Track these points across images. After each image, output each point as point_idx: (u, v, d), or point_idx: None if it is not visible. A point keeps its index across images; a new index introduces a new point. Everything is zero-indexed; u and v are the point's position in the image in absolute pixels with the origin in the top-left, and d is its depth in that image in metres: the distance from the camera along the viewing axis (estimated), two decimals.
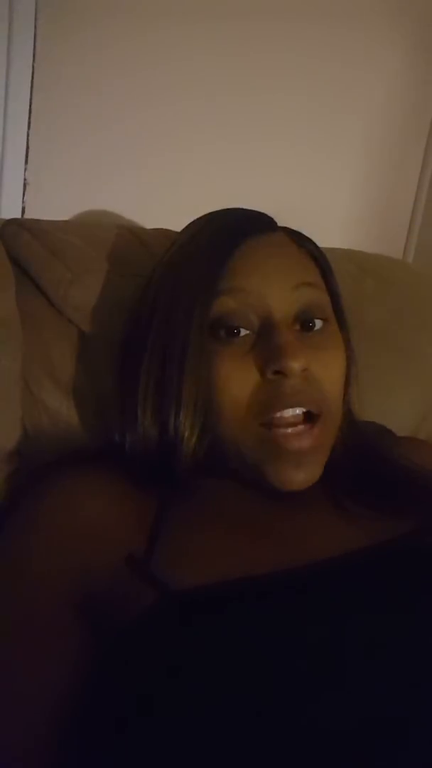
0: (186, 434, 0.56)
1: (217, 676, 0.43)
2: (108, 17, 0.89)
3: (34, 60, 0.86)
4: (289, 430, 0.55)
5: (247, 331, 0.57)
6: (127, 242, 0.75)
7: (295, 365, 0.54)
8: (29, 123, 0.88)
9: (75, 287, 0.69)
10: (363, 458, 0.63)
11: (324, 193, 1.12)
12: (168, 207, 0.81)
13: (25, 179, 0.90)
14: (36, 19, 0.85)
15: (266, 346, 0.56)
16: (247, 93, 1.02)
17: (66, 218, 0.90)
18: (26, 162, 0.89)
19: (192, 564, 0.50)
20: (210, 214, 0.64)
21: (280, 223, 0.65)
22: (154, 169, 0.97)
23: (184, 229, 0.66)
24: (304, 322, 0.58)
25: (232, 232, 0.60)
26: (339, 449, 0.61)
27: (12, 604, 0.53)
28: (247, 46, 1.00)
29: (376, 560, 0.51)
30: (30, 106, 0.87)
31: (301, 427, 0.56)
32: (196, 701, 0.42)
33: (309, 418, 0.56)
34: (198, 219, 0.65)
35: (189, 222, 0.66)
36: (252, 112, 1.03)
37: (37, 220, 0.75)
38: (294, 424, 0.56)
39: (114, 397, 0.65)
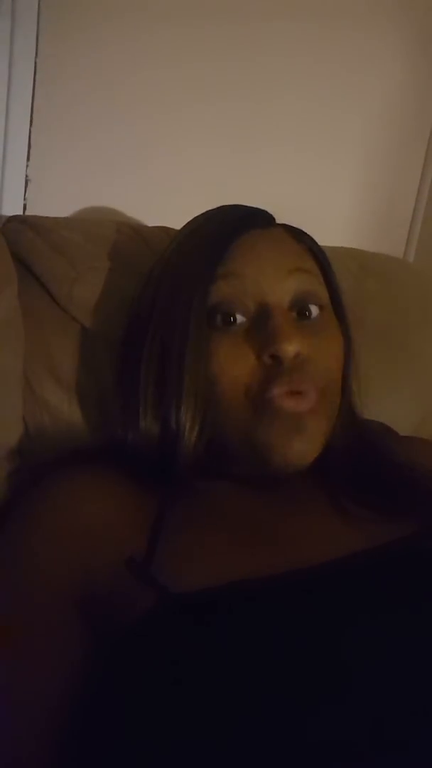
0: (187, 426, 0.56)
1: (217, 679, 0.43)
2: (110, 15, 0.89)
3: (36, 57, 0.86)
4: (285, 389, 0.55)
5: (244, 318, 0.58)
6: (129, 240, 0.75)
7: (290, 348, 0.54)
8: (31, 120, 0.88)
9: (79, 285, 0.69)
10: (364, 458, 0.63)
11: (325, 191, 1.12)
12: (169, 205, 0.81)
13: (26, 176, 0.90)
14: (39, 16, 0.85)
15: (261, 330, 0.56)
16: (249, 92, 1.02)
17: (67, 215, 0.90)
18: (28, 159, 0.89)
19: (192, 566, 0.50)
20: (208, 211, 0.65)
21: (282, 221, 0.65)
22: (155, 167, 0.97)
23: (183, 227, 0.66)
24: (300, 309, 0.59)
25: (230, 227, 0.61)
26: (340, 448, 0.61)
27: (12, 603, 0.52)
28: (250, 46, 1.00)
29: (378, 562, 0.50)
30: (32, 103, 0.87)
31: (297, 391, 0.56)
32: (196, 704, 0.42)
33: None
34: (197, 216, 0.65)
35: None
36: (254, 111, 1.03)
37: (40, 217, 0.75)
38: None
39: (116, 395, 0.65)
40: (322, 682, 0.42)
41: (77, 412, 0.68)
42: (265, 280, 0.58)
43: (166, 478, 0.57)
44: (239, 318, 0.58)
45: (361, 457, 0.63)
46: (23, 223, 0.73)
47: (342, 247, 0.89)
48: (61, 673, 0.49)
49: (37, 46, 0.86)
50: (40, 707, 0.48)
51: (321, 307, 0.60)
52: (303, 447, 0.55)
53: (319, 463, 0.57)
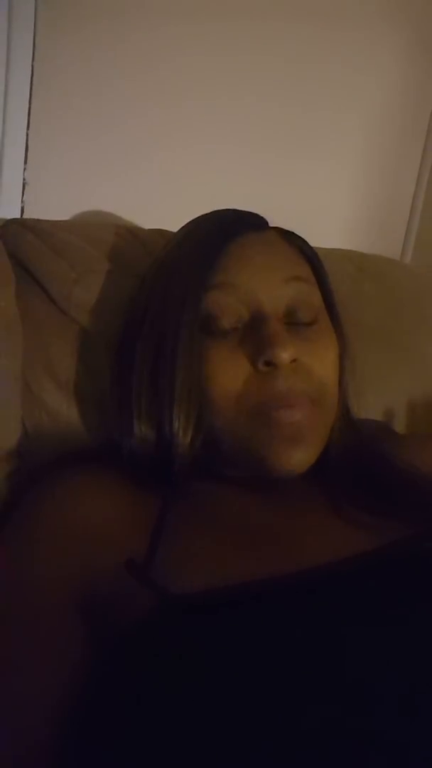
0: (181, 430, 0.56)
1: (216, 681, 0.42)
2: (107, 17, 0.90)
3: (33, 59, 0.86)
4: (280, 402, 0.55)
5: (238, 326, 0.58)
6: (127, 243, 0.75)
7: (285, 355, 0.54)
8: (28, 123, 0.88)
9: (80, 287, 0.69)
10: (363, 459, 0.63)
11: (323, 193, 1.12)
12: (166, 208, 0.81)
13: (24, 179, 0.90)
14: (36, 18, 0.85)
15: (256, 337, 0.56)
16: (245, 93, 1.02)
17: (65, 218, 0.91)
18: (25, 162, 0.89)
19: (192, 568, 0.49)
20: (202, 215, 0.65)
21: (279, 224, 0.65)
22: (152, 170, 0.98)
23: (178, 231, 0.66)
24: (294, 316, 0.59)
25: (223, 231, 0.61)
26: (338, 450, 0.61)
27: (12, 605, 0.52)
28: (247, 45, 1.00)
29: (377, 564, 0.50)
30: (29, 105, 0.87)
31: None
32: (195, 705, 0.42)
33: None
34: (191, 221, 0.65)
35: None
36: (250, 112, 1.03)
37: (39, 220, 0.75)
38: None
39: (111, 399, 0.65)
40: (323, 684, 0.42)
41: (76, 413, 0.68)
42: (260, 289, 0.58)
43: (165, 480, 0.57)
44: (234, 325, 0.58)
45: (359, 458, 0.63)
46: (22, 225, 0.73)
47: (339, 249, 0.90)
48: (62, 673, 0.49)
49: (34, 48, 0.86)
50: (40, 707, 0.47)
51: (316, 314, 0.60)
52: (300, 457, 0.56)
53: (318, 465, 0.57)
